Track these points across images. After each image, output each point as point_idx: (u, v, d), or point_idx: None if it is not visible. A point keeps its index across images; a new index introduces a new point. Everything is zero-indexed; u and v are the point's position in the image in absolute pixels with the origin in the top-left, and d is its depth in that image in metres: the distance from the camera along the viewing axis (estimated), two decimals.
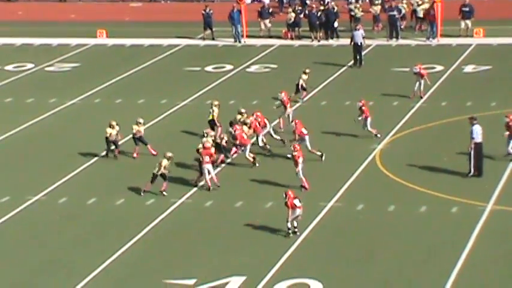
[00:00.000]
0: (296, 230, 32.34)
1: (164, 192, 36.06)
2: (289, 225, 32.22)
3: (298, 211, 32.13)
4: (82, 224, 34.50)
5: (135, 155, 39.66)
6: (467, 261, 30.07)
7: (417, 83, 46.52)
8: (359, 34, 53.20)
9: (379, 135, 40.93)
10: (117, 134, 39.30)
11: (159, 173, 35.99)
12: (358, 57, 53.01)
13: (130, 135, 40.02)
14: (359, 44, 52.97)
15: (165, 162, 36.05)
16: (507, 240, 31.54)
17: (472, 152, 36.73)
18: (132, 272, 30.80)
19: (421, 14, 59.18)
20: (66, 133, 42.24)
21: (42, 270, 30.90)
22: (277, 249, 31.55)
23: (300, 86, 46.33)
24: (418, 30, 59.62)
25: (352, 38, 53.51)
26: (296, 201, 32.11)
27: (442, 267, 29.75)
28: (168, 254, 31.91)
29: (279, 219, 33.02)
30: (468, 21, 58.06)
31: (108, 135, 39.22)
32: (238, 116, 40.07)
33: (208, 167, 36.37)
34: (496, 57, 53.93)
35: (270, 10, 61.48)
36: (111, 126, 39.40)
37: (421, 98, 46.36)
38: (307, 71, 46.77)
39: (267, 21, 60.62)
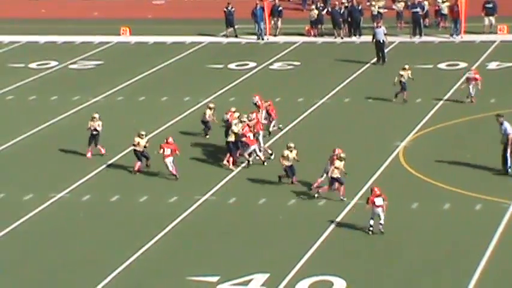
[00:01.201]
0: (380, 228, 32.24)
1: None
2: (371, 222, 32.22)
3: (378, 210, 32.05)
4: (105, 222, 34.61)
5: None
6: (491, 259, 30.00)
7: (470, 87, 45.41)
8: (381, 31, 53.18)
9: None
10: (145, 145, 38.86)
11: None
12: (380, 54, 52.94)
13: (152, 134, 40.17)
14: (381, 41, 52.91)
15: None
16: None
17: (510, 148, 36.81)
18: (155, 269, 30.84)
19: (445, 11, 59.01)
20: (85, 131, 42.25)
21: (66, 268, 30.94)
22: (301, 246, 31.55)
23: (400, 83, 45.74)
24: (442, 27, 59.47)
25: (374, 36, 53.55)
26: (377, 200, 32.09)
27: (465, 266, 29.70)
28: (191, 251, 31.93)
29: (302, 216, 33.07)
30: (492, 18, 57.86)
31: (135, 143, 38.87)
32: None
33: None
34: None
35: (280, 8, 60.81)
36: (139, 135, 39.13)
37: (472, 102, 45.19)
38: (406, 67, 46.16)
39: (278, 20, 60.21)
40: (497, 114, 38.14)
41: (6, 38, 61.80)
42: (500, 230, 32.00)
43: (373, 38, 53.40)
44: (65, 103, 48.21)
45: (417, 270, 29.96)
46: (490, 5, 58.02)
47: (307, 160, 37.52)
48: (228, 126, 39.18)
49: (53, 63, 56.10)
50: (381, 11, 59.41)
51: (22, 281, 30.22)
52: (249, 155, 38.58)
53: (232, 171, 38.01)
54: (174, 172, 37.59)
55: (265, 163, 38.71)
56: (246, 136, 38.45)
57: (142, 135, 38.76)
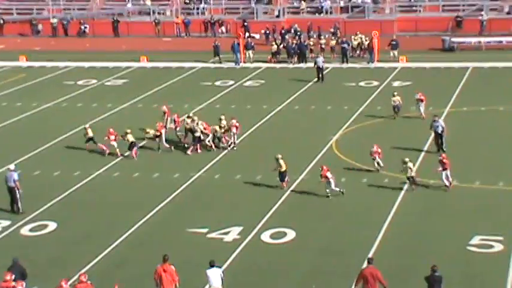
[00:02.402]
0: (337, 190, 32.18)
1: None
2: (336, 188, 32.16)
3: (330, 180, 31.99)
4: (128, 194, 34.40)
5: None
6: (394, 219, 30.02)
7: (419, 107, 42.53)
8: (320, 60, 53.02)
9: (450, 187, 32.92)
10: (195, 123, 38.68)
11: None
12: (320, 75, 52.70)
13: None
14: (320, 66, 52.73)
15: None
16: None
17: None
18: (166, 224, 30.71)
19: (365, 45, 59.03)
20: (120, 127, 41.77)
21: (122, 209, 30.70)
22: (265, 207, 31.42)
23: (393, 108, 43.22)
24: (363, 56, 59.46)
25: (315, 63, 53.35)
26: (328, 173, 32.06)
27: (376, 217, 29.61)
28: (189, 211, 31.75)
29: (267, 189, 33.00)
30: (395, 51, 57.70)
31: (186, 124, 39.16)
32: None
33: None
34: (416, 76, 53.65)
35: (252, 44, 60.55)
36: (188, 117, 39.44)
37: (423, 119, 41.71)
38: (395, 93, 43.73)
39: (250, 51, 59.97)
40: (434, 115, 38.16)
41: (62, 64, 61.26)
42: (400, 196, 32.02)
43: (314, 64, 53.24)
44: (102, 109, 47.78)
45: (348, 219, 29.88)
46: (394, 42, 57.99)
47: (268, 151, 37.52)
48: (189, 128, 39.01)
49: (93, 81, 55.64)
50: (321, 46, 59.42)
51: None
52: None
53: (216, 154, 37.78)
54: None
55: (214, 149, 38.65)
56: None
57: (190, 117, 39.12)
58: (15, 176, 32.00)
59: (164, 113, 41.97)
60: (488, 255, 27.09)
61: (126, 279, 25.28)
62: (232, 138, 38.81)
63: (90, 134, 39.19)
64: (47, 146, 39.27)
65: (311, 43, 60.12)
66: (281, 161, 33.16)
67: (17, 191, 31.88)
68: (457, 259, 26.73)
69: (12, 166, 32.94)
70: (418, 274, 24.28)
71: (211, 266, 24.03)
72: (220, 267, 24.40)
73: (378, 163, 34.90)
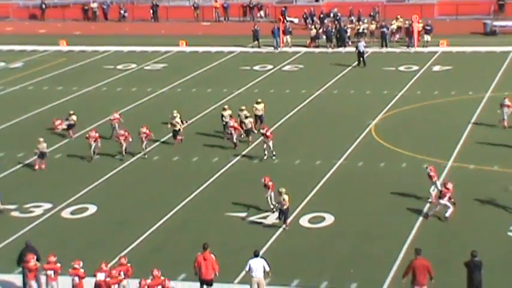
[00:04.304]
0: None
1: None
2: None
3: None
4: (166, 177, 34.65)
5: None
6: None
7: (504, 112, 37.91)
8: (361, 44, 52.93)
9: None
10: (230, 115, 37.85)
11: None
12: (361, 59, 52.55)
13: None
14: (361, 51, 52.55)
15: None
16: None
17: None
18: (205, 207, 30.89)
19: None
20: (159, 113, 41.94)
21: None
22: (303, 193, 31.38)
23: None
24: (399, 39, 59.16)
25: (356, 47, 53.19)
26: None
27: (414, 204, 29.52)
28: (228, 195, 31.77)
29: (301, 175, 32.82)
30: (428, 36, 56.96)
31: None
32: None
33: None
34: (456, 61, 53.21)
35: (290, 29, 60.32)
36: (224, 109, 38.66)
37: (504, 128, 37.62)
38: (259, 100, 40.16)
39: (288, 36, 59.74)
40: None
41: (101, 48, 61.64)
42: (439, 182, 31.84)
43: (356, 49, 53.03)
44: (141, 93, 48.04)
45: (387, 204, 29.79)
46: (429, 27, 57.35)
47: (307, 136, 37.44)
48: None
49: (133, 65, 55.92)
50: (363, 30, 59.09)
51: None
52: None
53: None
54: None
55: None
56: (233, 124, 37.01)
57: (225, 108, 38.42)
58: None
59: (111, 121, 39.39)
60: None
61: (163, 263, 25.43)
62: (267, 148, 35.49)
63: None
64: (87, 129, 39.58)
65: (353, 27, 59.74)
66: (285, 196, 28.26)
67: None
68: (497, 244, 26.52)
69: None
70: (457, 260, 24.10)
71: (255, 255, 23.41)
72: (264, 258, 23.74)
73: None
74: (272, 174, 32.52)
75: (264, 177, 29.97)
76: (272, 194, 29.55)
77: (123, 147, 36.19)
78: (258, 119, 38.94)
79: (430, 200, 29.82)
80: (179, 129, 37.83)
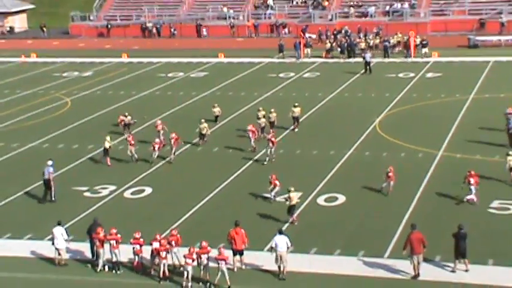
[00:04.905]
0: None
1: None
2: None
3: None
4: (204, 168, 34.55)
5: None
6: (427, 187, 29.49)
7: (508, 120, 33.87)
8: (368, 56, 52.69)
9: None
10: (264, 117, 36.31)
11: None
12: (368, 68, 52.18)
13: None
14: (368, 61, 52.23)
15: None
16: None
17: None
18: (238, 190, 30.80)
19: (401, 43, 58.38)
20: (202, 112, 41.84)
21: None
22: (318, 178, 31.24)
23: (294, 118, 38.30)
24: (399, 51, 58.71)
25: (364, 57, 52.90)
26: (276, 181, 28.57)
27: (409, 189, 29.25)
28: (259, 180, 31.35)
29: (315, 163, 32.57)
30: (426, 49, 56.46)
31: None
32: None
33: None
34: (446, 69, 52.66)
35: (311, 43, 60.15)
36: (258, 110, 37.47)
37: (509, 136, 33.56)
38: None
39: (308, 49, 59.33)
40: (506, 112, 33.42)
41: (155, 60, 61.73)
42: (432, 168, 31.58)
43: (363, 59, 52.75)
44: (187, 96, 47.98)
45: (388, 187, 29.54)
46: (425, 42, 56.80)
47: (323, 130, 37.19)
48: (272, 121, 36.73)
49: (181, 73, 55.96)
50: (370, 44, 58.80)
51: None
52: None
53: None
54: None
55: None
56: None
57: (260, 110, 37.10)
58: (51, 169, 30.23)
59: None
60: (505, 216, 26.62)
61: (206, 235, 25.43)
62: (269, 152, 33.25)
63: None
64: (147, 124, 39.75)
65: (362, 43, 59.34)
66: (292, 194, 26.73)
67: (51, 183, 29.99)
68: (479, 219, 26.29)
69: (49, 162, 30.64)
70: (447, 232, 23.88)
71: (280, 233, 23.17)
72: (287, 235, 23.36)
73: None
74: (294, 163, 32.48)
75: (271, 175, 29.05)
76: (277, 188, 28.48)
77: (173, 150, 34.47)
78: (295, 120, 38.22)
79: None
80: (205, 134, 36.48)
